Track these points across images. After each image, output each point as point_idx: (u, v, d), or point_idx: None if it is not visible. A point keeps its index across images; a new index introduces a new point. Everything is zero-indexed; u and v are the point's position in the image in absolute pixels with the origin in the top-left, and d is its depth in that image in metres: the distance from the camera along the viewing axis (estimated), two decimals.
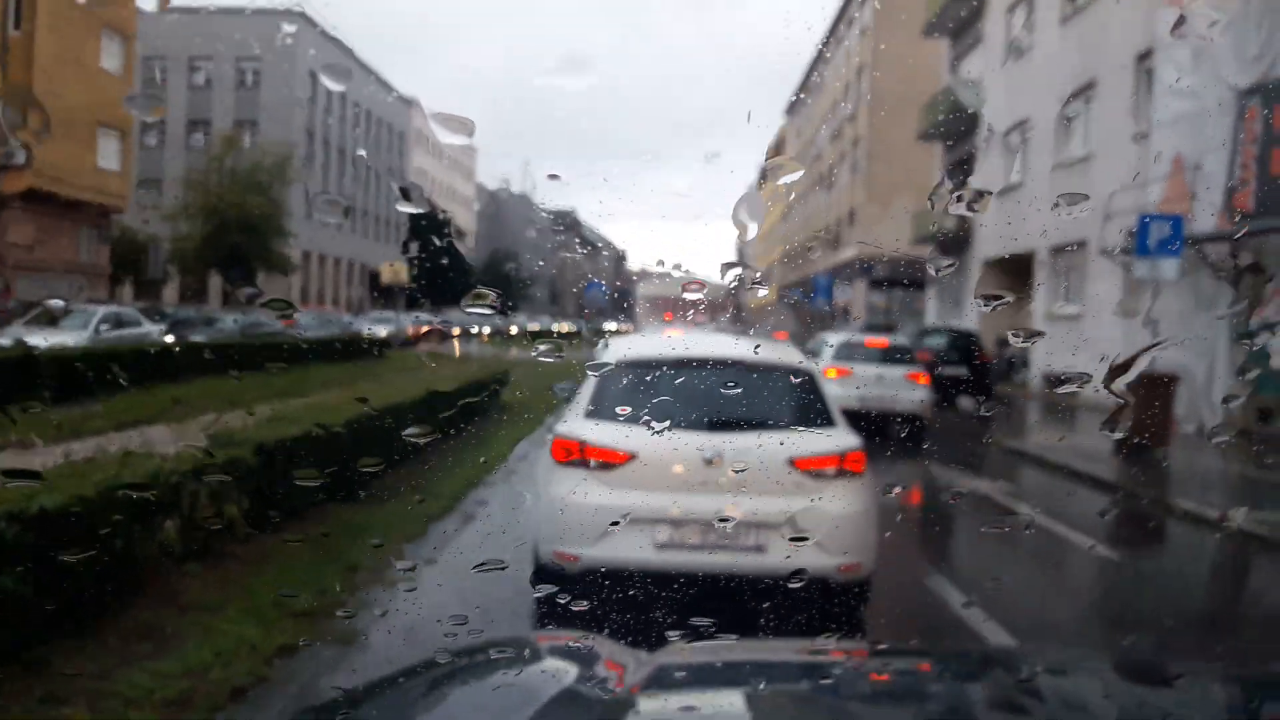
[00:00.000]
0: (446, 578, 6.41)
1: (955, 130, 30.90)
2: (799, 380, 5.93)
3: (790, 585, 4.63)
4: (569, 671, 1.77)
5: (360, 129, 60.85)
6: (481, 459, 10.90)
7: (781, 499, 5.23)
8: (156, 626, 5.22)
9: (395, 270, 34.52)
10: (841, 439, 5.60)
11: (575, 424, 5.67)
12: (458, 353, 40.40)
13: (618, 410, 5.55)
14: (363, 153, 54.55)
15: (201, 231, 43.95)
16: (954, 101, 29.34)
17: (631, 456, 5.32)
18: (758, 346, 6.36)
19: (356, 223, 61.02)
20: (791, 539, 5.19)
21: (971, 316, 29.03)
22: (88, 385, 16.58)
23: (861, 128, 44.97)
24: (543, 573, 5.40)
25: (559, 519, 5.38)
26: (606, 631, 3.85)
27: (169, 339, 23.05)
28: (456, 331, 46.92)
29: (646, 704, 1.66)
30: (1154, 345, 12.92)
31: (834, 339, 16.41)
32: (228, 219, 43.34)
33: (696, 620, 2.92)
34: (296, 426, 8.24)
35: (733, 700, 1.76)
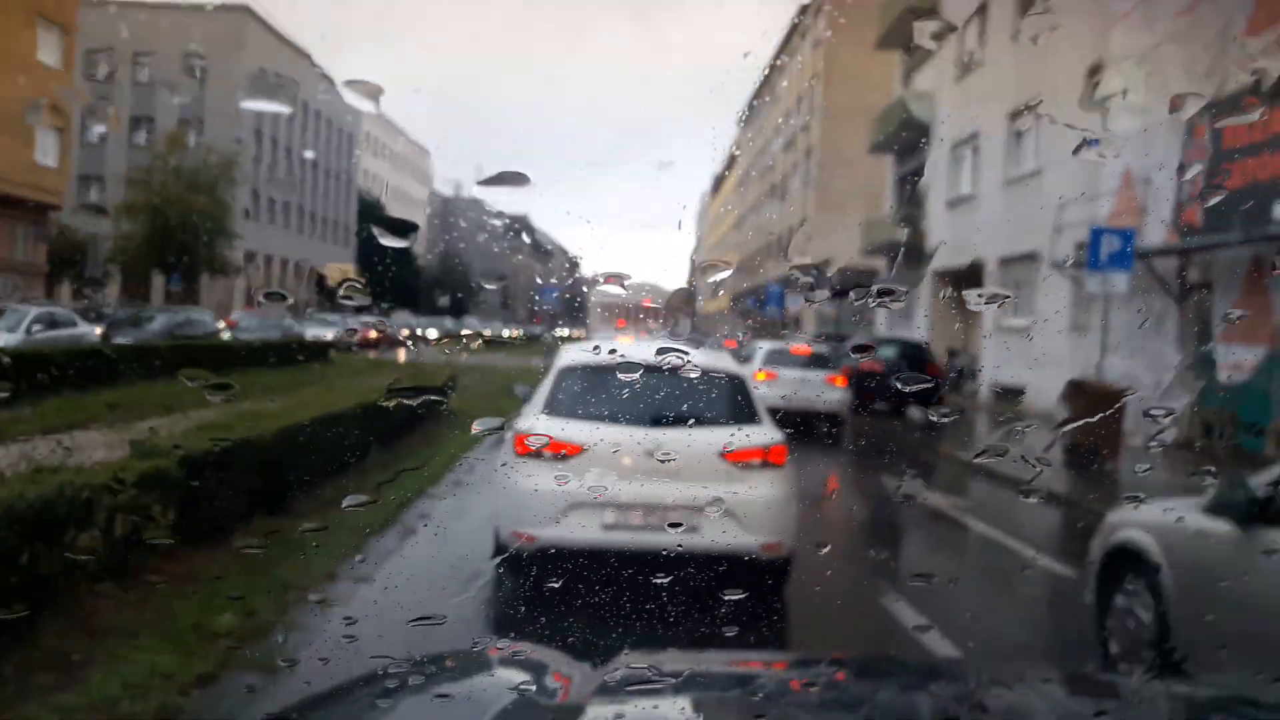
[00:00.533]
0: (383, 606, 6.27)
1: (907, 143, 31.07)
2: (730, 383, 6.66)
3: (718, 563, 5.47)
4: (517, 682, 1.79)
5: (310, 131, 59.80)
6: (425, 471, 10.47)
7: (713, 486, 5.90)
8: (62, 654, 4.79)
9: (343, 271, 33.75)
10: (766, 434, 6.28)
11: (532, 420, 6.35)
12: (402, 358, 39.83)
13: (570, 408, 6.32)
14: (311, 154, 53.52)
15: (144, 231, 42.82)
16: (906, 114, 29.48)
17: (582, 449, 5.97)
18: (688, 355, 6.53)
19: (304, 223, 59.89)
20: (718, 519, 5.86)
21: (922, 328, 29.15)
22: (18, 387, 15.90)
23: (814, 138, 45.15)
24: (503, 552, 6.10)
25: (518, 504, 6.08)
26: (559, 615, 4.31)
27: (107, 340, 22.24)
28: (404, 334, 46.30)
29: (594, 714, 1.66)
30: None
31: (764, 346, 18.36)
32: (171, 219, 42.28)
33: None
34: (228, 435, 7.79)
35: (680, 710, 1.78)
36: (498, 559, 6.27)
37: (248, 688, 4.81)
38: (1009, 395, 22.81)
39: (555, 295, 31.54)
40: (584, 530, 5.93)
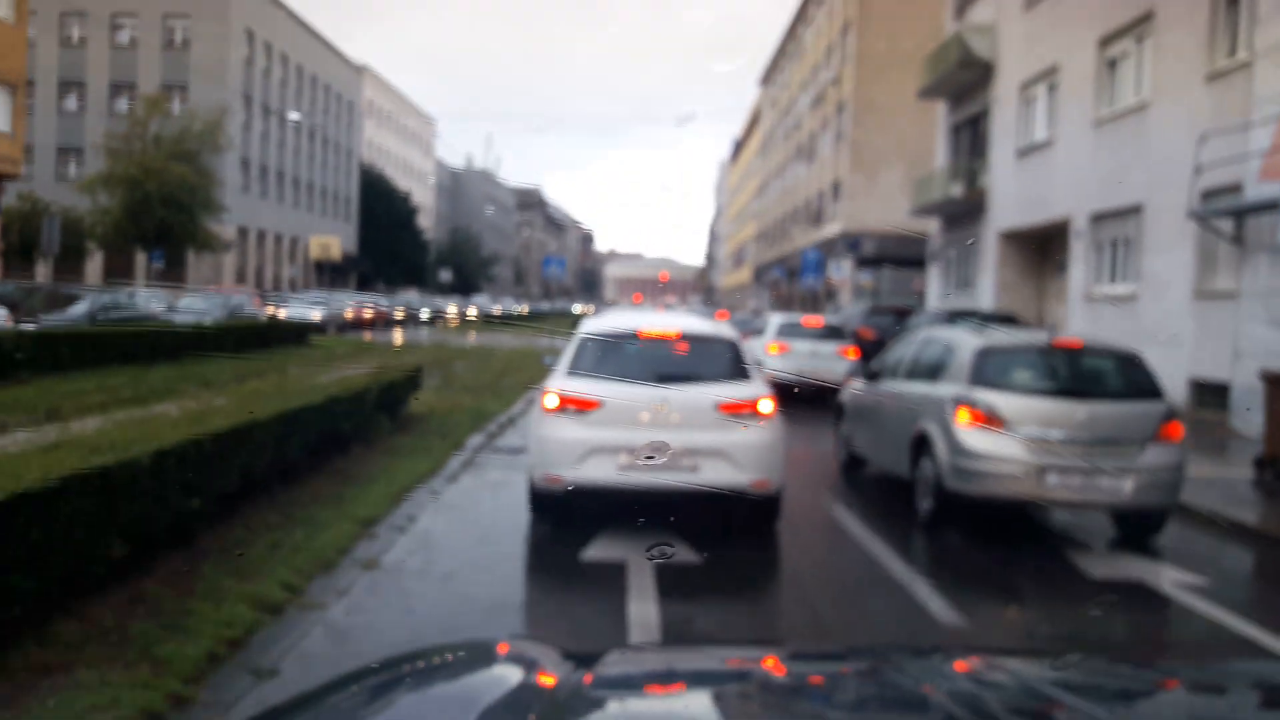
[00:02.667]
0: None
1: (964, 85, 26.88)
2: (724, 346, 7.58)
3: (715, 497, 6.86)
4: (508, 676, 1.79)
5: (306, 96, 55.89)
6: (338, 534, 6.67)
7: (710, 433, 6.90)
8: None
9: (325, 245, 29.95)
10: (755, 389, 7.16)
11: (558, 380, 7.11)
12: (399, 340, 36.31)
13: (589, 370, 7.14)
14: (296, 116, 49.51)
15: (122, 204, 39.18)
16: (964, 51, 25.34)
17: (600, 403, 6.89)
18: (689, 324, 8.16)
19: (300, 196, 56.12)
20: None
21: (985, 297, 25.17)
22: None
23: (846, 92, 40.93)
24: (536, 493, 7.19)
25: (548, 451, 7.02)
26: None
27: (25, 325, 18.60)
28: (400, 315, 42.64)
29: (583, 709, 1.66)
30: None
31: (776, 319, 18.16)
32: (151, 191, 38.60)
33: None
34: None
35: (670, 707, 1.78)
36: (533, 503, 7.27)
37: None
38: None
39: (563, 267, 27.68)
40: (603, 472, 6.77)
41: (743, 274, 78.91)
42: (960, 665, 1.99)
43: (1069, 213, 20.70)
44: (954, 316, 16.08)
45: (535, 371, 20.62)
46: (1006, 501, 7.48)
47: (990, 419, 7.33)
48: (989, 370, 7.61)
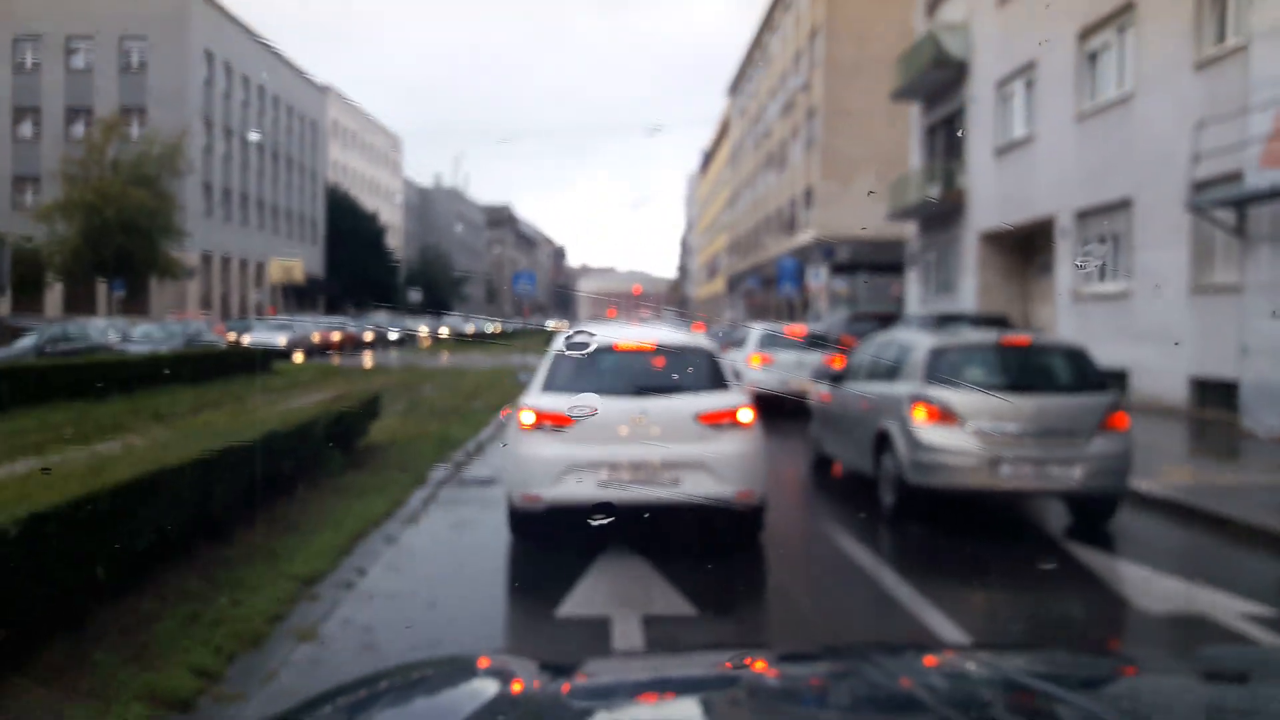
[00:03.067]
0: None
1: (937, 86, 26.24)
2: (702, 356, 7.34)
3: (698, 510, 6.65)
4: (486, 689, 1.78)
5: (269, 117, 54.68)
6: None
7: (690, 445, 6.67)
8: None
9: (288, 268, 28.83)
10: (734, 399, 6.95)
11: (534, 397, 6.88)
12: (369, 363, 35.17)
13: (565, 385, 6.94)
14: (256, 135, 48.26)
15: (80, 232, 37.84)
16: (937, 50, 24.72)
17: (575, 419, 6.57)
18: (665, 336, 7.93)
19: (265, 219, 54.82)
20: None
21: (967, 300, 24.46)
22: None
23: (817, 97, 40.30)
24: (515, 513, 6.94)
25: (525, 470, 6.75)
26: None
27: None
28: (369, 337, 41.45)
29: (561, 718, 1.66)
30: None
31: (756, 329, 17.15)
32: (109, 217, 37.29)
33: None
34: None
35: (649, 714, 1.73)
36: (512, 523, 7.06)
37: None
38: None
39: (533, 281, 26.77)
40: (582, 489, 6.52)
41: (716, 285, 78.23)
42: (932, 660, 2.02)
43: (1053, 210, 20.02)
44: (943, 321, 15.25)
45: (507, 391, 19.73)
46: (964, 492, 7.80)
47: (945, 415, 7.71)
48: (942, 368, 8.01)
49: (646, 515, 6.68)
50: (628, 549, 6.65)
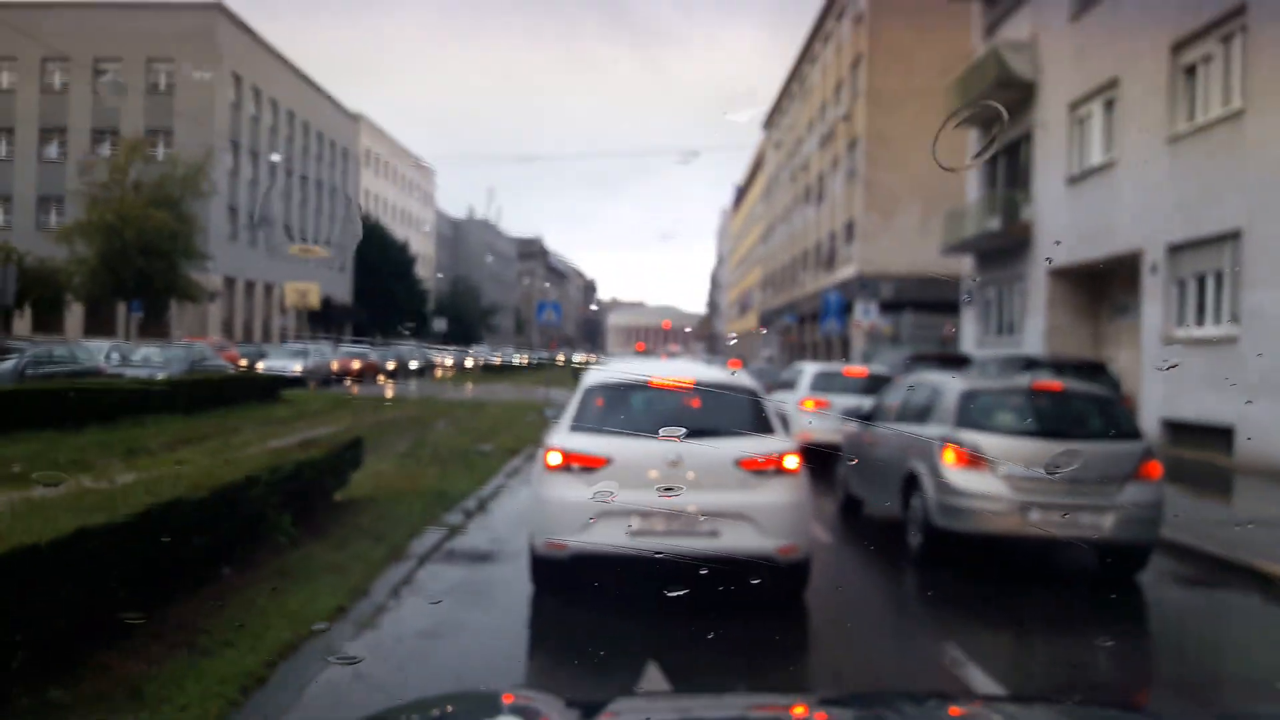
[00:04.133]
0: None
1: (998, 109, 23.94)
2: (744, 398, 6.74)
3: (738, 565, 5.89)
4: None
5: (298, 142, 53.36)
6: None
7: (730, 493, 6.08)
8: None
9: (303, 292, 26.95)
10: (779, 444, 6.34)
11: (561, 436, 6.34)
12: (390, 392, 33.15)
13: (596, 424, 6.37)
14: (276, 157, 46.84)
15: (99, 253, 36.32)
16: (1001, 69, 22.54)
17: (608, 461, 6.08)
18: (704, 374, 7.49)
19: (293, 244, 53.36)
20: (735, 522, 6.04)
21: (1033, 341, 22.04)
22: None
23: (859, 128, 38.18)
24: (538, 561, 6.27)
25: (550, 515, 6.17)
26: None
27: None
28: (391, 366, 39.46)
29: None
30: None
31: (809, 369, 15.36)
32: (128, 238, 35.76)
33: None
34: None
35: None
36: (535, 573, 6.35)
37: None
38: (1200, 436, 15.65)
39: (559, 311, 24.63)
40: (611, 537, 5.92)
41: (748, 321, 75.93)
42: (956, 711, 1.95)
43: (1138, 244, 17.64)
44: (1030, 365, 12.89)
45: (526, 430, 17.50)
46: (991, 537, 7.56)
47: (974, 459, 7.51)
48: (973, 412, 7.88)
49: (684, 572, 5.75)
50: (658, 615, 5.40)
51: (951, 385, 8.33)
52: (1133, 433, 7.94)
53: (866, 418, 10.13)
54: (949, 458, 7.67)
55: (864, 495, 10.00)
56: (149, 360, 23.06)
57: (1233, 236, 15.12)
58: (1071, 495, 7.39)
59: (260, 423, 18.79)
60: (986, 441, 7.62)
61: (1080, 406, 8.30)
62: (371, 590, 6.27)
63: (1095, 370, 13.61)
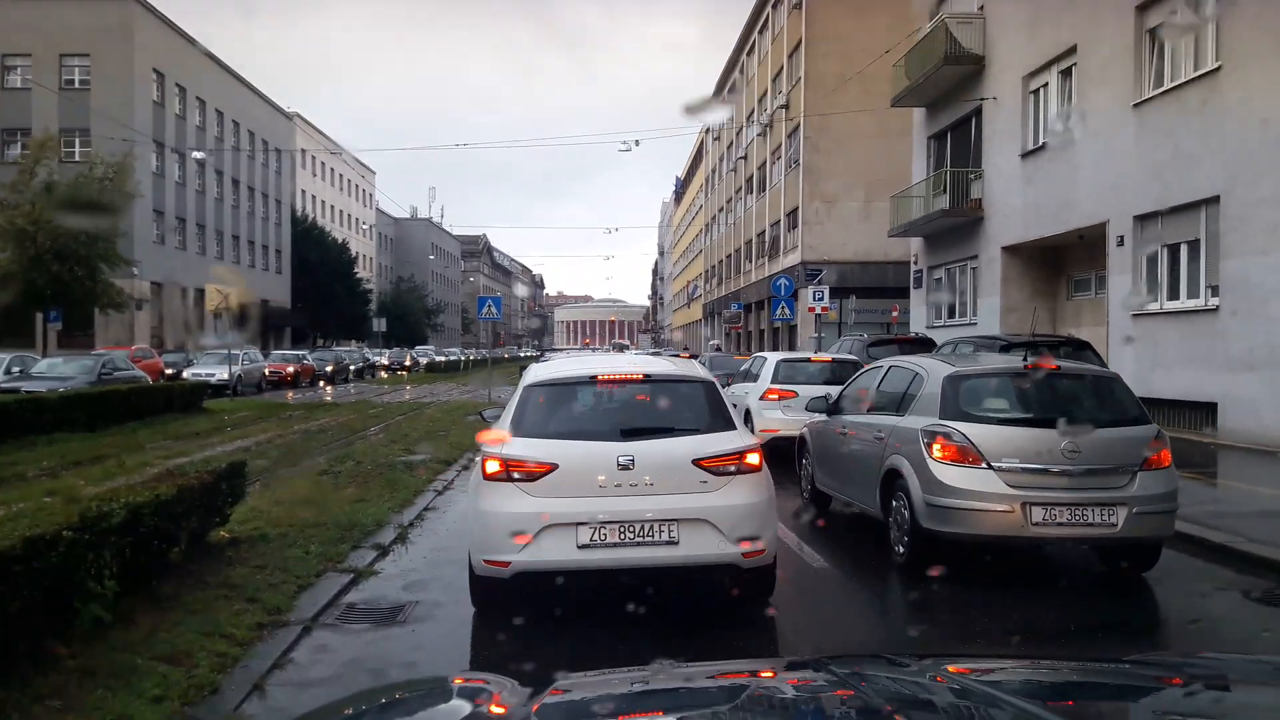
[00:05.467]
0: None
1: (949, 86, 22.65)
2: (699, 390, 5.97)
3: (700, 574, 5.59)
4: (462, 711, 1.69)
5: (229, 143, 50.48)
6: None
7: (689, 496, 5.36)
8: None
9: (225, 294, 24.65)
10: (739, 440, 5.64)
11: (500, 441, 5.58)
12: (328, 397, 30.93)
13: (538, 427, 5.63)
14: (200, 155, 43.93)
15: (11, 260, 33.44)
16: (951, 44, 21.22)
17: (552, 467, 5.34)
18: (654, 365, 6.80)
19: (226, 249, 50.50)
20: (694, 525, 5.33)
21: (990, 321, 20.79)
22: None
23: (799, 114, 36.79)
24: (478, 582, 5.54)
25: (489, 530, 5.39)
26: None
27: None
28: (330, 369, 37.15)
29: None
30: None
31: (771, 357, 13.70)
32: (41, 244, 32.96)
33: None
34: None
35: None
36: (475, 593, 5.67)
37: None
38: (1177, 413, 14.41)
39: (499, 306, 22.82)
40: (558, 552, 5.25)
41: (692, 312, 74.56)
42: (955, 669, 1.84)
43: (1103, 216, 16.40)
44: (1008, 348, 11.48)
45: (465, 435, 15.64)
46: (989, 541, 6.62)
47: (966, 452, 6.52)
48: (961, 399, 6.86)
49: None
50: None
51: (935, 369, 7.21)
52: (1141, 416, 6.84)
53: (835, 407, 8.85)
54: (937, 452, 6.59)
55: (833, 490, 8.84)
56: (53, 371, 20.75)
57: (1209, 203, 13.88)
58: (1079, 490, 6.30)
59: (173, 438, 16.74)
60: (979, 432, 6.52)
61: (1081, 388, 7.16)
62: (221, 689, 4.48)
63: (1078, 349, 12.26)
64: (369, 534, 7.85)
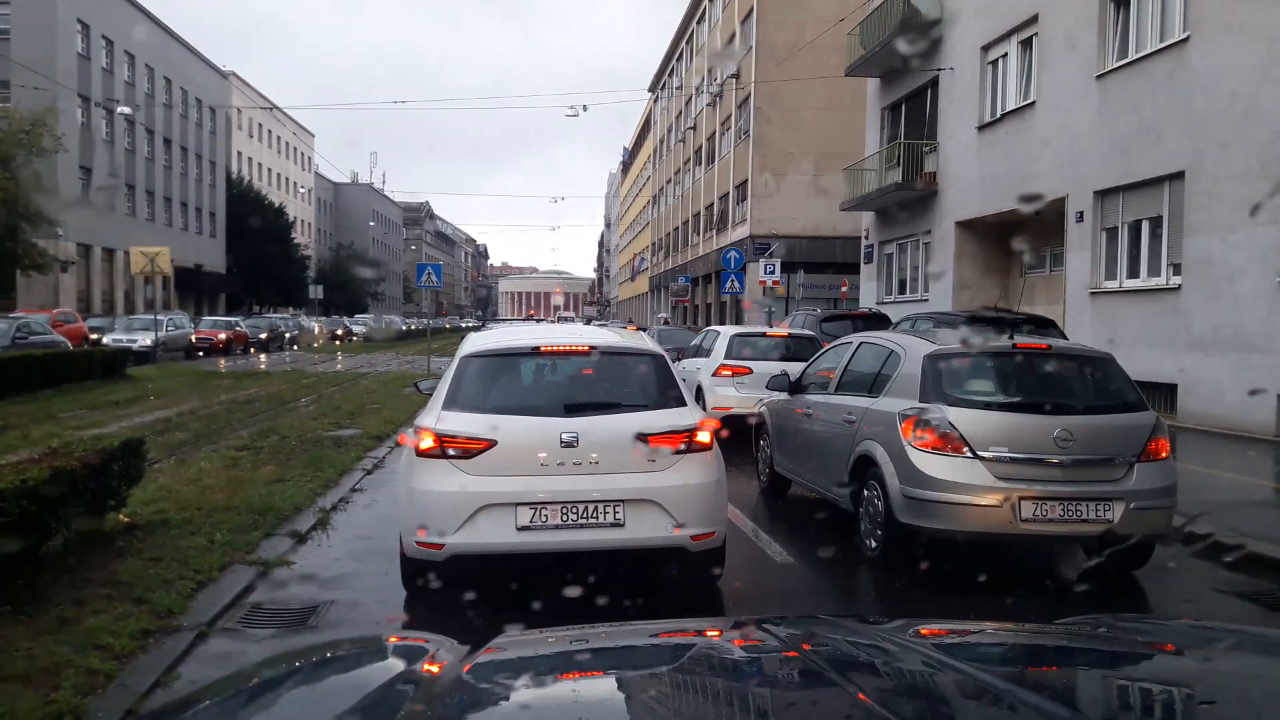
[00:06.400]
0: None
1: (899, 56, 22.02)
2: (648, 363, 5.63)
3: (646, 558, 5.33)
4: (397, 667, 1.64)
5: (160, 100, 48.03)
6: None
7: (636, 475, 5.07)
8: None
9: (152, 257, 23.17)
10: (690, 416, 5.33)
11: (434, 415, 5.19)
12: (261, 365, 29.55)
13: (476, 401, 5.27)
14: (126, 110, 41.50)
15: None
16: (909, 10, 20.58)
17: (490, 444, 4.99)
18: (601, 336, 6.27)
19: (157, 211, 48.18)
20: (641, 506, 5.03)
21: (941, 298, 20.34)
22: None
23: (749, 85, 35.99)
24: (409, 564, 5.18)
25: (421, 510, 5.01)
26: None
27: None
28: (264, 337, 35.65)
29: (458, 692, 1.51)
30: None
31: (727, 332, 12.84)
32: None
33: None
34: None
35: (554, 687, 1.55)
36: (406, 576, 5.27)
37: None
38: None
39: (439, 273, 21.72)
40: (496, 534, 4.91)
41: (639, 285, 73.69)
42: (928, 631, 1.79)
43: (1062, 191, 15.93)
44: (973, 321, 10.87)
45: (400, 408, 14.69)
46: (972, 537, 5.85)
47: (949, 439, 5.82)
48: (944, 380, 6.14)
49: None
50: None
51: (914, 347, 6.50)
52: (1139, 402, 6.21)
53: (798, 385, 8.18)
54: (915, 438, 5.93)
55: (793, 474, 8.17)
56: None
57: (1174, 178, 13.44)
58: (1072, 482, 5.72)
59: (89, 407, 15.51)
60: (963, 417, 5.86)
61: (1073, 371, 6.52)
62: (86, 717, 3.61)
63: (1041, 327, 11.75)
64: (285, 519, 6.95)
